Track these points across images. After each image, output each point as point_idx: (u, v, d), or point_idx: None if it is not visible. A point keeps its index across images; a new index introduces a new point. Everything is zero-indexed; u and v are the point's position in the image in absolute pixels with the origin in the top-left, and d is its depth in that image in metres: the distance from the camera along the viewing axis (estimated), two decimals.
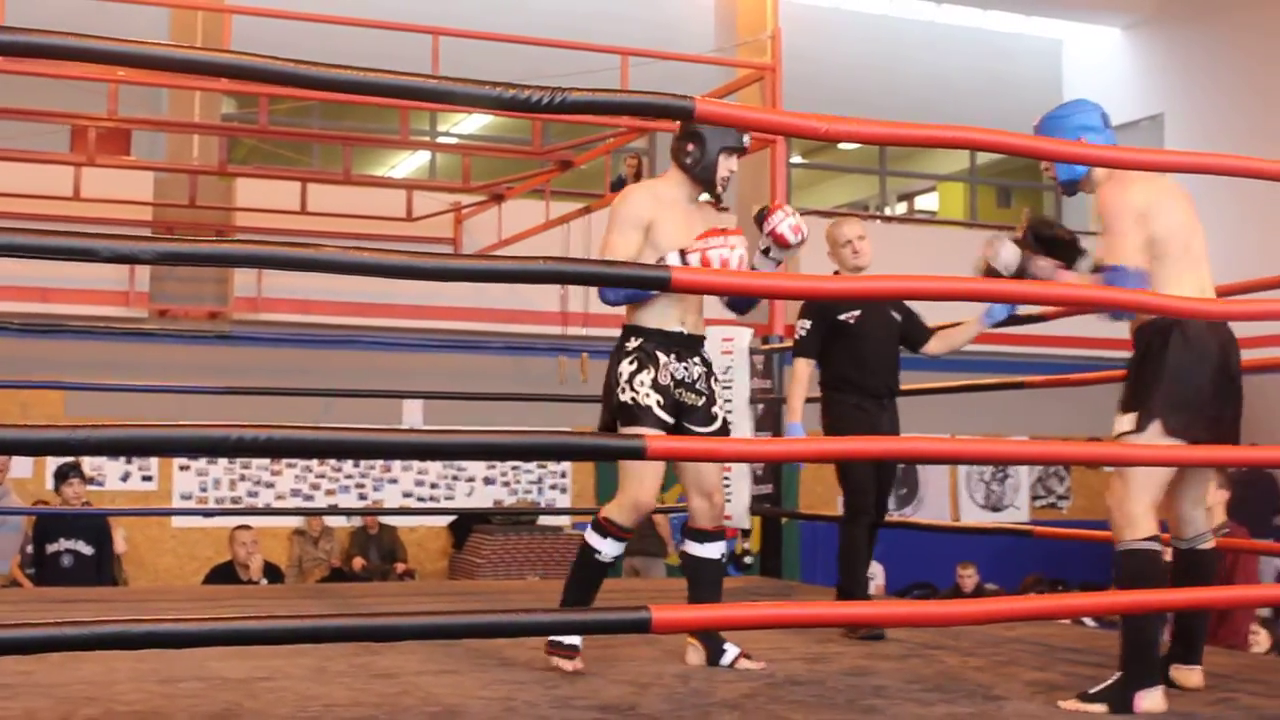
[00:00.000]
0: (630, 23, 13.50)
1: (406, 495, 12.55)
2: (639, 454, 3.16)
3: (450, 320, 12.20)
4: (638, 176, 13.21)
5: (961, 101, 15.90)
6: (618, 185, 12.27)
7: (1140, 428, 3.79)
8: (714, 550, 4.58)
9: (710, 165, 4.50)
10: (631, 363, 4.42)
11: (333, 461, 12.21)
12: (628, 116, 7.69)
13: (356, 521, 11.84)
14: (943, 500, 14.78)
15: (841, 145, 15.69)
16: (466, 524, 12.01)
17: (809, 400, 5.66)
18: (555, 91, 2.91)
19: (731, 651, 4.53)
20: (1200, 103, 15.42)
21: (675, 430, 4.39)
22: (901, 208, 18.59)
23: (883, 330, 5.60)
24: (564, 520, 12.26)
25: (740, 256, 4.26)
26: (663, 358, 4.43)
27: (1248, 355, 4.01)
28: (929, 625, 4.01)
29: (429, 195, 12.18)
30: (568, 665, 4.32)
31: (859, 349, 5.52)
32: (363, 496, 12.41)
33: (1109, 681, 3.78)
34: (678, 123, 4.48)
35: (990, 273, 4.14)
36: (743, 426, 7.54)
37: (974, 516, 14.66)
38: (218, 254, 3.10)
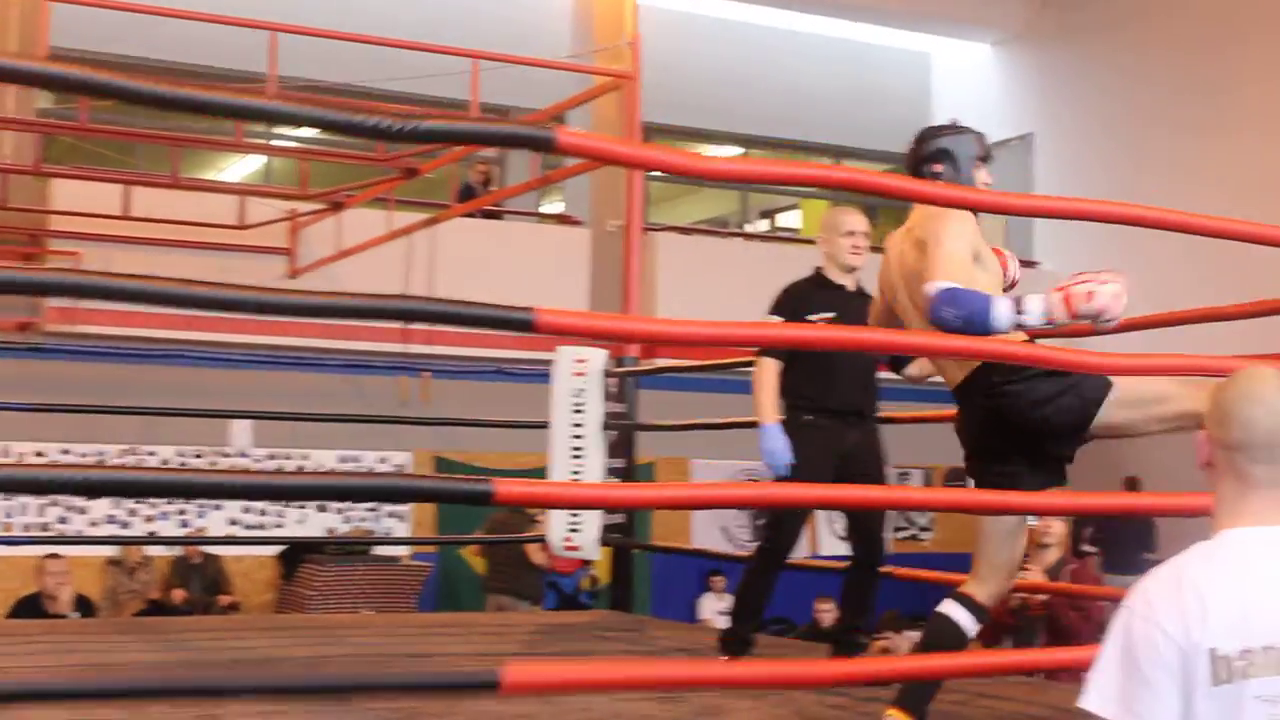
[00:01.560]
0: (483, 20, 13.42)
1: (232, 523, 12.32)
2: (485, 498, 3.15)
3: (283, 335, 12.00)
4: (486, 185, 13.16)
5: (827, 112, 16.12)
6: (465, 195, 12.20)
7: None
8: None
9: (969, 185, 3.91)
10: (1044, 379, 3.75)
11: None
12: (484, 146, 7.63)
13: (177, 551, 11.60)
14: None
15: None
16: (297, 554, 11.84)
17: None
18: (407, 119, 2.87)
19: None
20: (1070, 123, 15.80)
21: None
22: (764, 225, 18.75)
23: None
24: (402, 550, 12.15)
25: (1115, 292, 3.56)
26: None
27: None
28: (797, 686, 4.03)
29: (263, 201, 12.00)
30: None
31: (826, 360, 5.06)
32: (184, 524, 12.15)
33: None
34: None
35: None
36: (594, 452, 7.54)
37: (834, 548, 14.79)
38: (17, 282, 3.03)
